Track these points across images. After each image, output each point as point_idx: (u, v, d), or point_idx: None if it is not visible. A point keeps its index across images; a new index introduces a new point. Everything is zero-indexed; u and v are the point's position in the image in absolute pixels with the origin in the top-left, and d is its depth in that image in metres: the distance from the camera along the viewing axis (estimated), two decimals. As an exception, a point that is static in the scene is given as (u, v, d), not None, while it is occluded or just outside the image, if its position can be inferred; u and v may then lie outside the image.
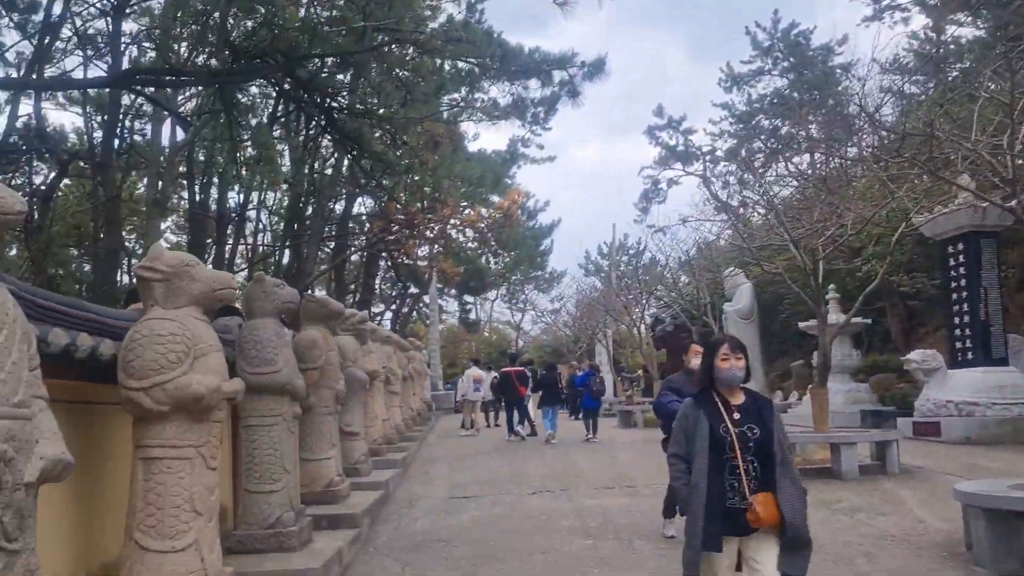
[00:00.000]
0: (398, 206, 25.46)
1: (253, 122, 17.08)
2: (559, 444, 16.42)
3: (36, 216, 17.40)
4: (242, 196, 24.43)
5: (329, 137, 17.92)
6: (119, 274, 19.76)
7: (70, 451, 5.00)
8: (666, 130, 38.58)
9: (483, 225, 29.43)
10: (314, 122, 18.88)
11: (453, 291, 42.38)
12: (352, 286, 32.85)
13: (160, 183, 13.17)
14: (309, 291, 16.52)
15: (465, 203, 25.44)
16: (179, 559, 4.81)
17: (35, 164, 20.70)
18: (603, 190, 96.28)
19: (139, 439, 4.95)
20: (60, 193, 30.36)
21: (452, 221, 27.83)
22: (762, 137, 32.65)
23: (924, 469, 11.16)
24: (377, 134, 15.96)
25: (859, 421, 17.33)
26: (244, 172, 18.67)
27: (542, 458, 14.23)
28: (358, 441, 11.49)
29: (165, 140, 19.59)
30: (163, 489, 4.87)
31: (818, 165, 29.52)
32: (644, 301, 26.07)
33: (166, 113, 18.98)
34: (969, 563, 6.37)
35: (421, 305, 42.14)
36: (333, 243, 28.28)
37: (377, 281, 38.09)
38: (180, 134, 19.87)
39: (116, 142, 22.53)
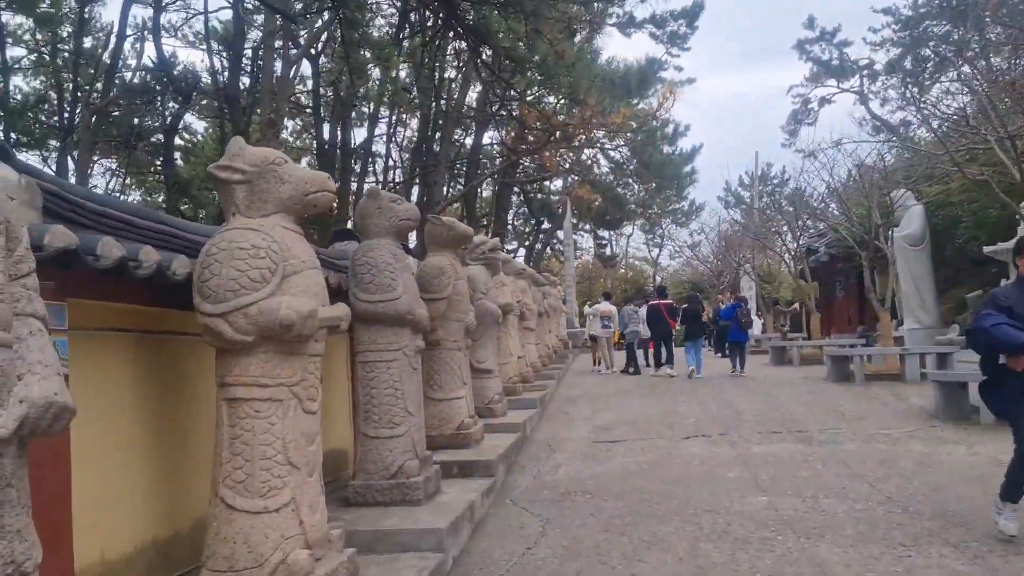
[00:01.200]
0: (532, 122, 23.80)
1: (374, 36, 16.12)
2: (708, 382, 15.07)
3: (164, 148, 17.34)
4: (367, 128, 23.83)
5: (452, 33, 16.59)
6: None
7: (146, 389, 4.29)
8: (818, 44, 35.43)
9: (628, 135, 27.10)
10: (437, 19, 17.55)
11: (588, 225, 41.06)
12: (483, 220, 32.02)
13: (274, 103, 12.46)
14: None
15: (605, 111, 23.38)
16: (272, 521, 3.92)
17: (168, 102, 20.79)
18: (741, 121, 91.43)
19: (221, 376, 4.05)
20: (199, 137, 30.84)
21: (593, 135, 25.59)
22: (931, 44, 29.31)
23: None
24: (506, 25, 14.46)
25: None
26: (368, 95, 17.85)
27: (693, 397, 12.96)
28: (492, 379, 10.57)
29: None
30: (250, 437, 3.97)
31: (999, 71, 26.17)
32: (799, 229, 23.90)
33: (290, 45, 18.42)
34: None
35: (555, 241, 41.05)
36: (464, 177, 27.35)
37: (510, 217, 37.20)
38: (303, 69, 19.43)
39: (242, 77, 22.40)
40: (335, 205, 18.43)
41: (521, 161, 30.90)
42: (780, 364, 18.85)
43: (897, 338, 21.63)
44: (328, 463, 5.24)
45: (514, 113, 25.29)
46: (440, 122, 18.63)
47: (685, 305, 19.35)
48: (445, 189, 22.68)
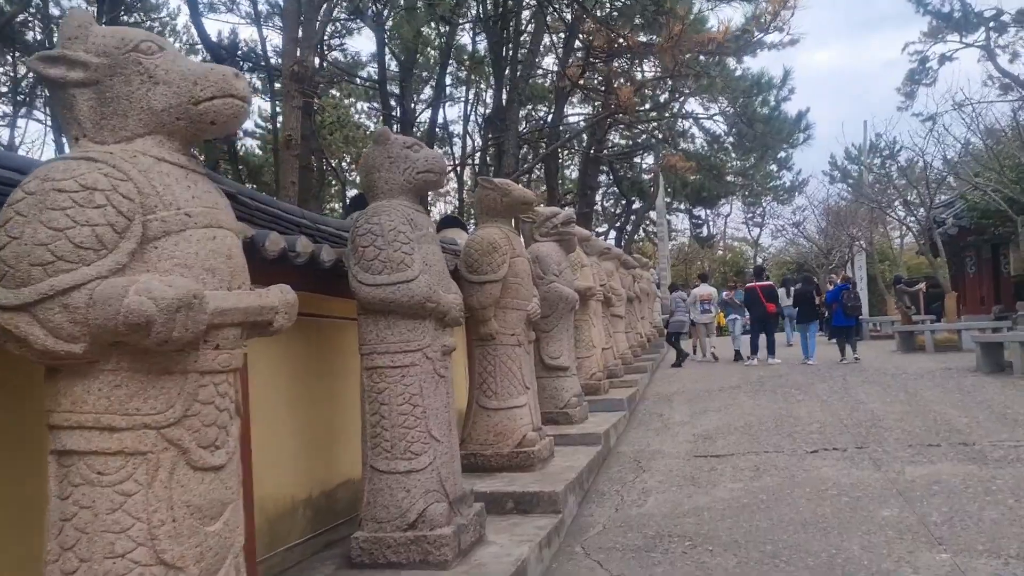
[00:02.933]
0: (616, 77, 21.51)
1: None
2: (827, 374, 12.87)
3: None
4: (433, 105, 22.06)
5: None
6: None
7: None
8: (936, -6, 31.95)
9: (726, 94, 24.26)
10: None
11: (683, 204, 38.60)
12: (568, 196, 30.02)
13: (298, 50, 10.78)
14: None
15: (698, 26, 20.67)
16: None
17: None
18: (845, 95, 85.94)
19: (47, 413, 2.40)
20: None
21: (684, 81, 22.82)
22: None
23: None
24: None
25: None
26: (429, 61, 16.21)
27: (812, 395, 10.85)
28: (567, 378, 8.77)
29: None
30: (89, 520, 2.29)
31: None
32: (927, 196, 21.08)
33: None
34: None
35: (648, 222, 38.75)
36: (545, 149, 25.45)
37: (598, 197, 35.11)
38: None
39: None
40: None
41: (608, 137, 28.77)
42: (910, 351, 16.37)
43: (1047, 320, 18.78)
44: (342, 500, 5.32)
45: (596, 78, 23.13)
46: (513, 84, 16.84)
47: (799, 286, 17.40)
48: (519, 161, 20.87)
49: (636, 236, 39.22)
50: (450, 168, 21.73)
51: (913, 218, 23.58)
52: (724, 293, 18.06)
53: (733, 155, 29.45)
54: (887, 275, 38.60)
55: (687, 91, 24.49)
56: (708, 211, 43.50)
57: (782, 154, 29.06)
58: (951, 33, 32.12)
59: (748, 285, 17.11)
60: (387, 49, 18.22)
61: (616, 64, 24.56)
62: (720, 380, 13.38)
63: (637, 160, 35.60)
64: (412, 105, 20.76)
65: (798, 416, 9.30)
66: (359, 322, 4.65)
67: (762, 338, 16.05)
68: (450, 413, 4.77)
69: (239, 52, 19.74)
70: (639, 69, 25.18)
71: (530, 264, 7.13)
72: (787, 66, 19.72)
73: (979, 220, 23.89)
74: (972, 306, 25.21)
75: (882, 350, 17.78)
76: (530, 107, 30.61)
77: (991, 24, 31.47)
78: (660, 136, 25.49)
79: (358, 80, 22.99)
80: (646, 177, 34.39)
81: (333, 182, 29.87)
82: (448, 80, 26.05)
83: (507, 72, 17.56)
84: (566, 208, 9.48)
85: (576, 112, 26.84)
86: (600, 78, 25.16)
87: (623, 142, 32.63)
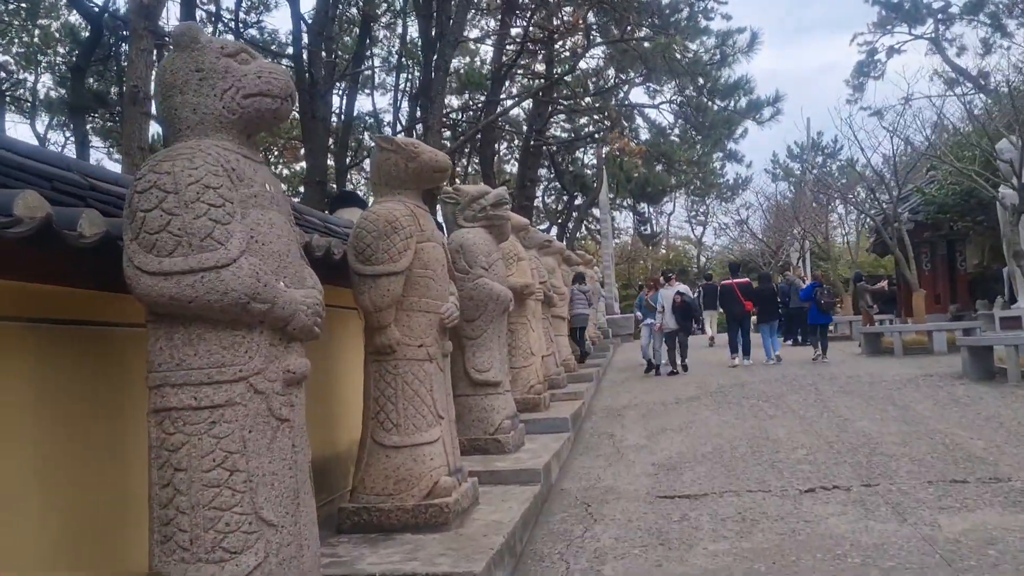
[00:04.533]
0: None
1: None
2: (798, 381, 11.43)
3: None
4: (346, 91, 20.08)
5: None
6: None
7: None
8: (886, -17, 31.13)
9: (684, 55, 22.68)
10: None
11: (627, 201, 37.21)
12: (506, 188, 28.31)
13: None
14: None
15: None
16: None
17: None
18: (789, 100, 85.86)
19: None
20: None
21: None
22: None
23: None
24: None
25: None
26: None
27: (787, 408, 9.35)
28: (499, 396, 7.08)
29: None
30: None
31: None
32: (899, 186, 19.86)
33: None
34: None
35: (590, 219, 37.29)
36: (480, 143, 23.59)
37: (539, 193, 33.47)
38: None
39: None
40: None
41: (548, 128, 27.07)
42: (877, 354, 15.07)
43: (1012, 318, 17.75)
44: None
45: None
46: (440, 51, 15.05)
47: (757, 285, 16.17)
48: (452, 142, 19.09)
49: (578, 233, 37.80)
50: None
51: (875, 211, 22.43)
52: (643, 293, 15.70)
53: (684, 144, 28.03)
54: (832, 273, 37.94)
55: (635, 77, 22.97)
56: (651, 208, 42.31)
57: (733, 145, 27.89)
58: (900, 24, 31.47)
59: (725, 282, 15.89)
60: (303, 23, 16.31)
61: (558, 47, 22.99)
62: (676, 390, 11.82)
63: (580, 154, 34.14)
64: (334, 89, 18.78)
65: (776, 437, 7.75)
66: (147, 335, 2.88)
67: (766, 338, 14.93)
68: (297, 478, 3.02)
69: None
70: (583, 54, 23.57)
71: (447, 253, 5.40)
72: (755, 29, 18.23)
73: (936, 215, 22.92)
74: (928, 305, 24.27)
75: (844, 352, 16.49)
76: (467, 95, 28.90)
77: (939, 16, 30.91)
78: (607, 122, 23.87)
79: (271, 56, 20.93)
80: (589, 172, 32.93)
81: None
82: (378, 64, 24.18)
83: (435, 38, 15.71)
84: (498, 188, 7.75)
85: (516, 99, 24.97)
86: (541, 63, 23.57)
87: (565, 135, 31.03)
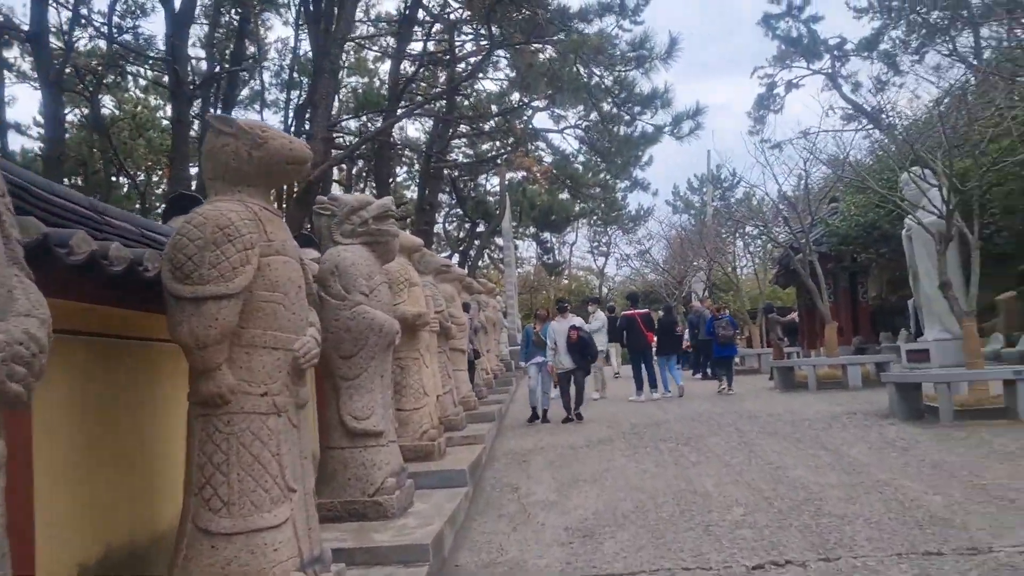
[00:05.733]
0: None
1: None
2: (716, 421, 10.56)
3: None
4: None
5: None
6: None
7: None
8: (785, 19, 31.51)
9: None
10: None
11: (530, 228, 36.38)
12: (402, 210, 26.93)
13: None
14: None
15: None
16: None
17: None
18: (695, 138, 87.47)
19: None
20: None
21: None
22: (921, 9, 25.52)
23: None
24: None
25: None
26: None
27: (709, 453, 8.39)
28: (381, 448, 5.84)
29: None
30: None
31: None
32: (812, 215, 19.49)
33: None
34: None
35: (493, 247, 36.31)
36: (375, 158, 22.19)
37: (439, 218, 32.26)
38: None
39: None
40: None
41: (449, 151, 25.96)
42: (790, 389, 14.41)
43: (919, 351, 17.49)
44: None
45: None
46: (324, 51, 13.76)
47: (661, 315, 15.45)
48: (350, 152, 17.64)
49: (480, 262, 36.79)
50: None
51: (784, 238, 22.10)
52: (531, 327, 13.57)
53: (588, 172, 27.33)
54: (735, 304, 38.01)
55: (540, 100, 22.11)
56: (555, 237, 41.70)
57: (639, 172, 27.40)
58: (798, 59, 31.86)
59: (626, 313, 15.26)
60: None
61: (460, 67, 21.99)
62: (586, 431, 10.77)
63: (483, 180, 33.21)
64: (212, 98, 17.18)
65: (705, 491, 6.73)
66: None
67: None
68: None
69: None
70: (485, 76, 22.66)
71: (307, 272, 4.16)
72: (675, 34, 17.46)
73: (839, 247, 22.81)
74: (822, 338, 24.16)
75: (756, 386, 15.84)
76: (365, 118, 27.57)
77: (835, 52, 31.43)
78: (511, 144, 22.87)
79: (148, 65, 19.10)
80: (491, 199, 31.99)
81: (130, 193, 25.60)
82: (269, 80, 22.64)
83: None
84: (383, 198, 6.53)
85: (415, 108, 23.56)
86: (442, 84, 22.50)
87: (467, 160, 29.99)
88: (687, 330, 23.58)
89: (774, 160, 29.24)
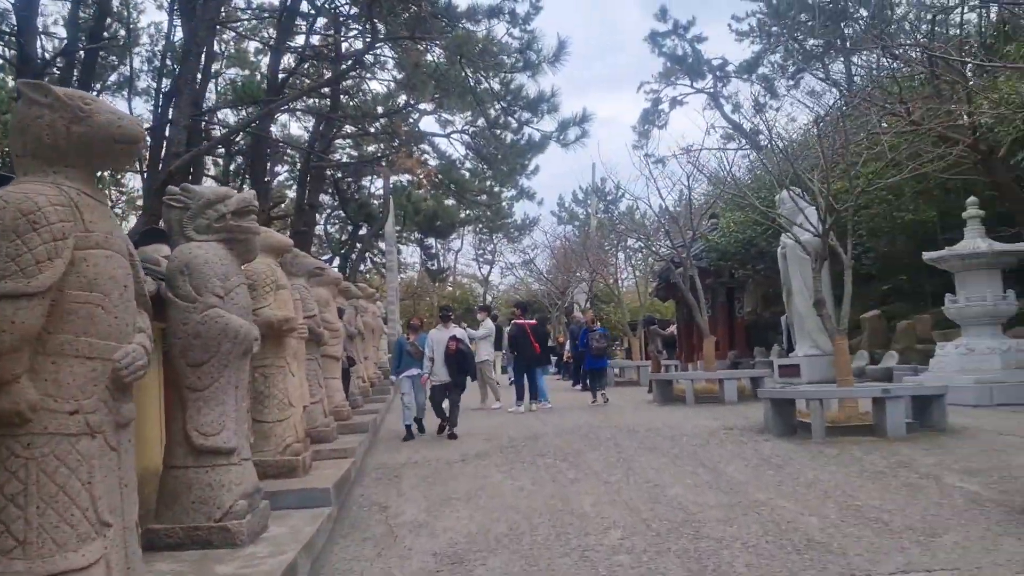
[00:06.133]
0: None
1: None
2: (593, 434, 10.37)
3: None
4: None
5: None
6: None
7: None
8: (671, 37, 32.15)
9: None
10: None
11: (414, 233, 35.79)
12: (281, 210, 25.88)
13: None
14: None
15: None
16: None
17: None
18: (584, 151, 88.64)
19: None
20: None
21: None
22: (798, 36, 26.45)
23: None
24: None
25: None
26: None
27: (587, 469, 8.15)
28: (232, 468, 5.29)
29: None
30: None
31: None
32: (694, 229, 19.68)
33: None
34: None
35: (375, 251, 35.52)
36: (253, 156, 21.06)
37: (320, 220, 31.32)
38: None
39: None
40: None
41: (332, 151, 25.12)
42: (669, 403, 14.44)
43: (790, 366, 17.95)
44: None
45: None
46: (192, 34, 12.86)
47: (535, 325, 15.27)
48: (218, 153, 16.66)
49: (363, 266, 35.94)
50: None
51: (667, 251, 22.33)
52: (406, 337, 12.18)
53: (475, 178, 26.99)
54: (615, 316, 38.47)
55: (426, 104, 21.66)
56: (439, 244, 41.23)
57: (525, 181, 27.27)
58: (683, 77, 32.58)
59: (517, 322, 14.93)
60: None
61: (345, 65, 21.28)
62: (462, 444, 10.38)
63: (367, 183, 32.43)
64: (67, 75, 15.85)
65: (582, 510, 6.45)
66: None
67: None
68: None
69: None
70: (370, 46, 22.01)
71: (137, 268, 3.61)
72: (563, 37, 17.28)
73: (718, 262, 23.30)
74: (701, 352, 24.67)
75: (633, 399, 15.84)
76: (243, 111, 26.40)
77: (718, 73, 32.30)
78: (396, 144, 22.22)
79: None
80: (376, 202, 31.26)
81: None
82: (139, 65, 21.27)
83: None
84: (247, 192, 5.96)
85: (298, 94, 22.51)
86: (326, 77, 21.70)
87: (350, 161, 29.14)
88: (568, 340, 23.63)
89: (658, 174, 29.62)
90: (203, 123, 17.08)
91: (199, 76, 15.28)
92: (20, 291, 2.90)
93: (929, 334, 16.95)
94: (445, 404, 11.19)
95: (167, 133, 12.45)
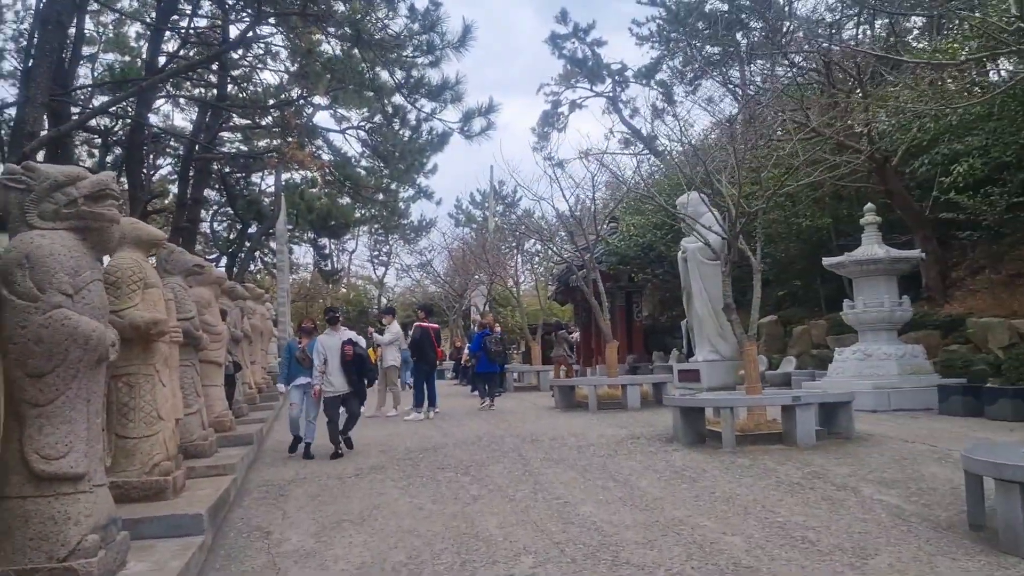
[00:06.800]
0: None
1: None
2: (495, 444, 9.83)
3: None
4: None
5: None
6: None
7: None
8: (571, 39, 32.00)
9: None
10: None
11: (307, 233, 34.49)
12: (164, 215, 24.36)
13: None
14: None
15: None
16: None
17: None
18: (473, 148, 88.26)
19: None
20: None
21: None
22: (696, 44, 26.67)
23: None
24: None
25: (936, 402, 11.71)
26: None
27: (490, 483, 7.60)
28: (79, 497, 4.53)
29: None
30: None
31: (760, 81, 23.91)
32: (596, 231, 19.35)
33: None
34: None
35: (266, 251, 34.10)
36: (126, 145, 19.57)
37: (206, 216, 29.77)
38: None
39: None
40: None
41: (218, 143, 23.81)
42: (570, 408, 14.06)
43: (690, 371, 17.91)
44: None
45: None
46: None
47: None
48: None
49: (253, 266, 34.45)
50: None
51: (569, 256, 22.03)
52: (295, 342, 11.42)
53: (371, 176, 26.03)
54: (512, 319, 38.17)
55: (321, 99, 20.68)
56: (333, 244, 40.01)
57: (423, 180, 26.49)
58: (583, 80, 32.50)
59: (420, 324, 14.33)
60: None
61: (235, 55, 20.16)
62: (356, 457, 9.67)
63: (257, 180, 31.06)
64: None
65: (488, 533, 5.88)
66: None
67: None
68: None
69: None
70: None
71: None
72: (468, 21, 16.50)
73: (617, 266, 23.21)
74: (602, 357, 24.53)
75: (535, 404, 15.41)
76: (125, 105, 24.77)
77: (617, 77, 32.35)
78: (288, 137, 21.10)
79: None
80: (266, 200, 29.92)
81: None
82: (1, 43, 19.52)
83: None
84: (101, 174, 5.14)
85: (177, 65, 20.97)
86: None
87: (236, 154, 27.72)
88: (466, 344, 23.08)
89: (560, 176, 29.43)
90: (73, 108, 15.70)
91: (67, 56, 13.99)
92: None
93: (824, 339, 17.18)
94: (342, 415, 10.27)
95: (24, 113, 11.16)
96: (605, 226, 23.61)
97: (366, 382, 10.65)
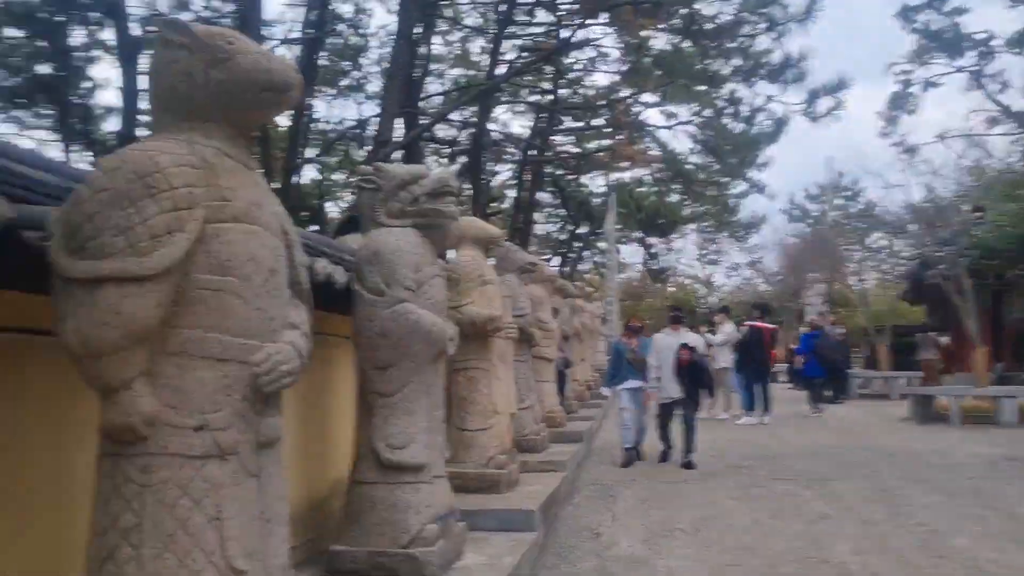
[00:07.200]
0: None
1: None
2: (847, 461, 8.93)
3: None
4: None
5: None
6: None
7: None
8: (925, 10, 28.81)
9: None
10: None
11: (636, 233, 34.68)
12: (499, 215, 25.70)
13: None
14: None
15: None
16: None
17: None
18: (803, 143, 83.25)
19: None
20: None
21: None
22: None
23: None
24: None
25: None
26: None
27: (842, 504, 6.83)
28: (419, 487, 4.64)
29: None
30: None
31: None
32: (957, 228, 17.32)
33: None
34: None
35: (595, 251, 34.86)
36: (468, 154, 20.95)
37: (540, 218, 31.02)
38: None
39: None
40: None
41: (551, 145, 24.60)
42: (928, 421, 12.49)
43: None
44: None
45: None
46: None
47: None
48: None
49: (581, 266, 35.39)
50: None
51: (930, 247, 19.84)
52: (620, 340, 10.75)
53: (701, 171, 25.52)
54: (853, 321, 35.39)
55: (649, 95, 20.56)
56: (661, 239, 39.87)
57: (755, 174, 25.42)
58: (939, 55, 29.11)
59: (753, 324, 13.52)
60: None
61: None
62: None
63: (587, 181, 31.81)
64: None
65: (840, 560, 5.22)
66: None
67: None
68: None
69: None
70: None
71: (293, 248, 2.95)
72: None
73: (981, 261, 20.41)
74: (968, 363, 21.69)
75: (883, 414, 13.94)
76: (467, 113, 26.68)
77: (983, 48, 28.54)
78: (618, 134, 21.27)
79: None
80: (596, 200, 30.55)
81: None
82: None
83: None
84: (441, 171, 5.29)
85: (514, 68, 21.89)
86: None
87: (569, 155, 28.55)
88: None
89: (912, 163, 26.61)
90: (421, 118, 16.99)
91: (419, 74, 15.12)
92: (129, 273, 2.27)
93: None
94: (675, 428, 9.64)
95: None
96: (969, 216, 20.87)
97: (703, 390, 9.88)
